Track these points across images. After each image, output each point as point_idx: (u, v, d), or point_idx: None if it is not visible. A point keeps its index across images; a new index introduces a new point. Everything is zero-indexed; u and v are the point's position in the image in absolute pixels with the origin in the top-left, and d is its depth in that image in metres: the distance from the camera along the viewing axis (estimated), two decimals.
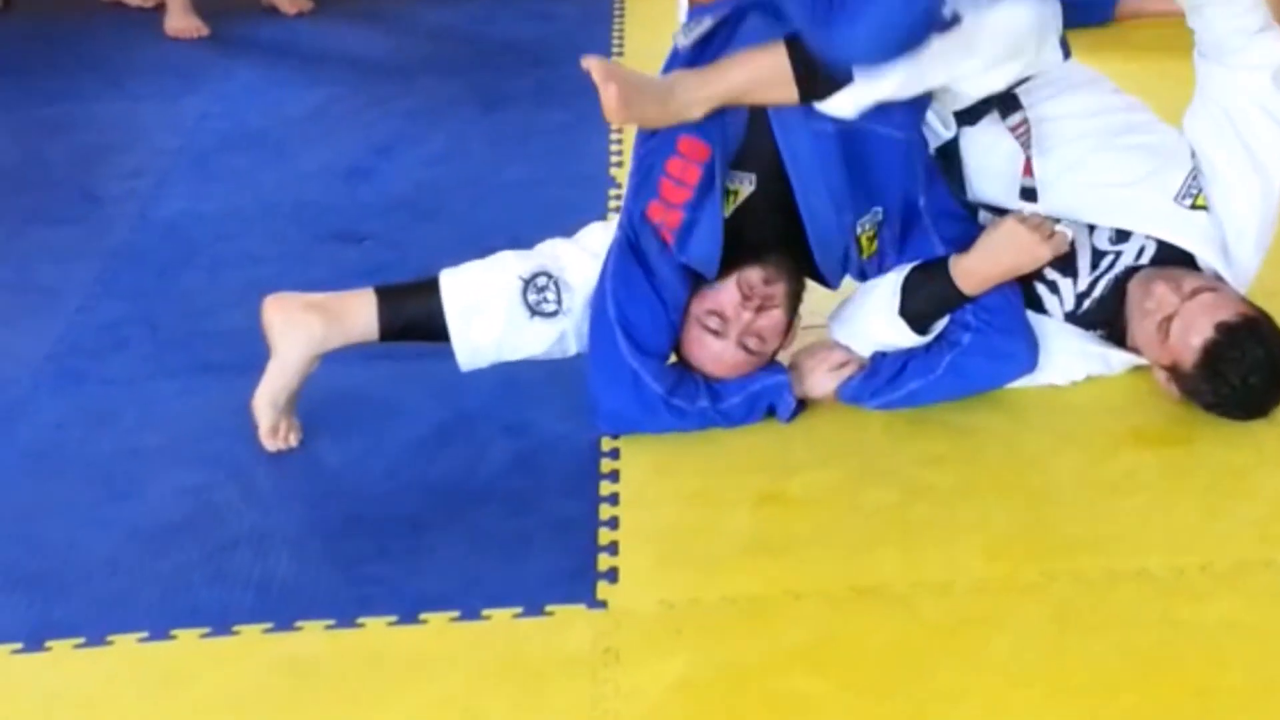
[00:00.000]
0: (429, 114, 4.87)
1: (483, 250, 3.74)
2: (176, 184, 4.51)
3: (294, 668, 2.64)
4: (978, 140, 3.31)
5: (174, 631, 2.73)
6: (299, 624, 2.73)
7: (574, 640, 2.66)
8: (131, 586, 2.85)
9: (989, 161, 3.30)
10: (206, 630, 2.73)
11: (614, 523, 2.94)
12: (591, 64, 3.09)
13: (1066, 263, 3.28)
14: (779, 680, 2.55)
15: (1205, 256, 3.26)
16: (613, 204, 4.08)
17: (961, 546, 2.83)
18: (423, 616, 2.73)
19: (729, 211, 3.19)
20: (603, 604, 2.74)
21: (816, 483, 3.03)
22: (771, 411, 3.19)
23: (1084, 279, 3.30)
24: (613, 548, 2.88)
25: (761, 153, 3.17)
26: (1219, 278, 3.24)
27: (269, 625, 2.74)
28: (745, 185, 3.21)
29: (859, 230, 3.21)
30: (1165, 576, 2.75)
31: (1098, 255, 3.30)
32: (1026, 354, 3.24)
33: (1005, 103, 3.29)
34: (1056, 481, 3.04)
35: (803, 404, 3.22)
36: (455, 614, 2.73)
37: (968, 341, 3.20)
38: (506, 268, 3.27)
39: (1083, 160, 3.31)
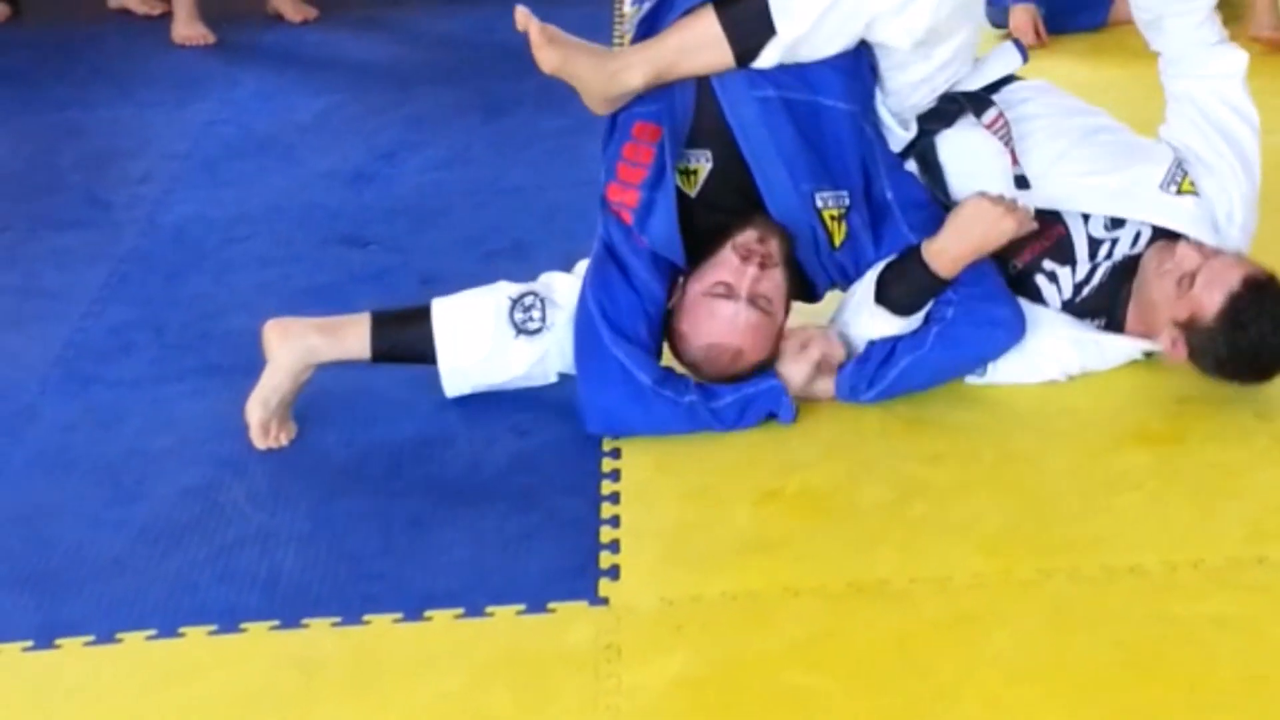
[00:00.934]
0: (431, 120, 4.87)
1: (484, 253, 3.77)
2: (184, 189, 4.52)
3: (300, 664, 2.65)
4: (956, 143, 3.32)
5: (182, 629, 2.73)
6: (305, 621, 2.74)
7: (576, 637, 2.66)
8: (140, 585, 2.85)
9: (972, 164, 3.31)
10: (214, 628, 2.74)
11: (615, 521, 2.94)
12: (520, 10, 3.14)
13: (1065, 253, 3.30)
14: (779, 676, 2.55)
15: (1200, 238, 3.27)
16: None
17: (959, 544, 2.83)
18: (427, 614, 2.74)
19: (694, 191, 3.22)
20: (604, 601, 2.74)
21: (815, 481, 3.03)
22: (772, 416, 3.19)
23: (1082, 267, 3.31)
24: (614, 545, 2.88)
25: (713, 129, 3.21)
26: None
27: (276, 623, 2.74)
28: (703, 163, 3.25)
29: (820, 204, 3.23)
30: (1159, 573, 2.75)
31: (1095, 243, 3.31)
32: (1014, 319, 3.24)
33: (977, 102, 3.32)
34: (1052, 480, 3.04)
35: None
36: (459, 611, 2.74)
37: (952, 314, 3.21)
38: (497, 290, 3.30)
39: (1066, 153, 3.35)
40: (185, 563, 2.91)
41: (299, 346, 3.24)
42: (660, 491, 3.04)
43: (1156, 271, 3.23)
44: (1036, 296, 3.32)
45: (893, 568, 2.79)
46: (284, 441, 3.23)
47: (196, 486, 3.12)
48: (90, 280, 3.98)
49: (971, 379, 3.29)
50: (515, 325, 3.26)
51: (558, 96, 4.77)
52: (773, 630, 2.66)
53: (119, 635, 2.73)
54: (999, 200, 3.19)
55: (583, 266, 3.33)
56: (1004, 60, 3.45)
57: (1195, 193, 3.32)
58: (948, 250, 3.19)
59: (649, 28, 3.25)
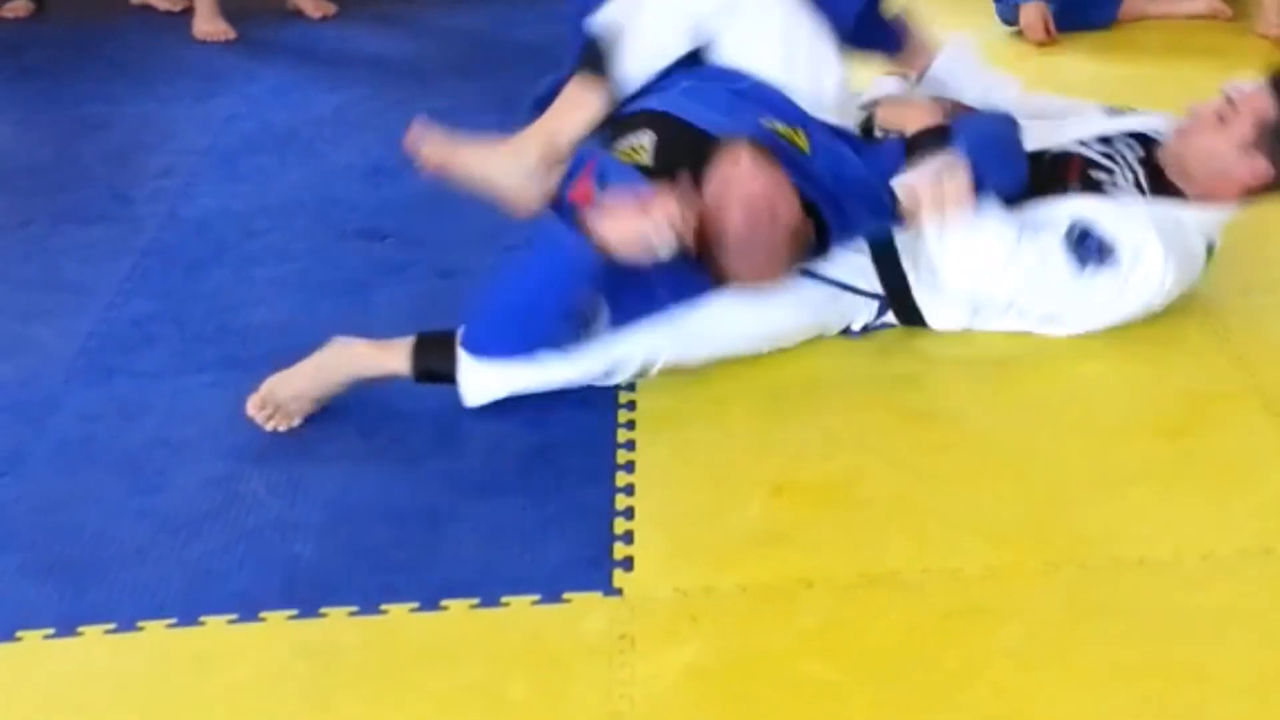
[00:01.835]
0: (449, 115, 4.80)
1: (502, 247, 3.75)
2: (205, 183, 4.51)
3: (319, 653, 2.65)
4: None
5: (202, 618, 2.74)
6: (323, 610, 2.74)
7: (591, 627, 2.66)
8: (161, 574, 2.86)
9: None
10: (234, 616, 2.74)
11: (630, 512, 2.94)
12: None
13: (1095, 164, 3.38)
14: (792, 665, 2.55)
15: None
16: None
17: (970, 535, 2.83)
18: (444, 603, 2.73)
19: (649, 159, 3.30)
20: (619, 591, 2.74)
21: (827, 473, 3.03)
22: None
23: (1118, 168, 3.34)
24: (628, 537, 2.88)
25: (644, 118, 3.37)
26: None
27: (294, 612, 2.74)
28: (645, 139, 3.33)
29: (770, 126, 3.31)
30: (1168, 564, 2.74)
31: (1107, 156, 3.33)
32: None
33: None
34: (1062, 472, 3.03)
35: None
36: (475, 601, 2.74)
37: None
38: None
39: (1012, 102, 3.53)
40: (205, 552, 2.91)
41: (345, 351, 3.26)
42: (674, 484, 3.04)
43: (1184, 137, 3.30)
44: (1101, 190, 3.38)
45: (904, 559, 2.78)
46: (275, 428, 3.23)
47: (217, 477, 3.12)
48: (113, 273, 3.98)
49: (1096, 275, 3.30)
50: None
51: None
52: (785, 620, 2.66)
53: (140, 623, 2.73)
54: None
55: None
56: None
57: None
58: (892, 122, 3.39)
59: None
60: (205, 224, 4.24)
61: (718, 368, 3.34)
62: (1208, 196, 3.33)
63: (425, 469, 3.12)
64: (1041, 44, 5.11)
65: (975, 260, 3.31)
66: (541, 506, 2.97)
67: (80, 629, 2.73)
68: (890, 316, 3.42)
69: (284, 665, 2.63)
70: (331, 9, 5.93)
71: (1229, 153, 3.26)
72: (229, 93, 5.21)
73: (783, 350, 3.38)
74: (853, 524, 2.89)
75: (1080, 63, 4.98)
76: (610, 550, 2.84)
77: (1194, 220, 3.34)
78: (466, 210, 3.87)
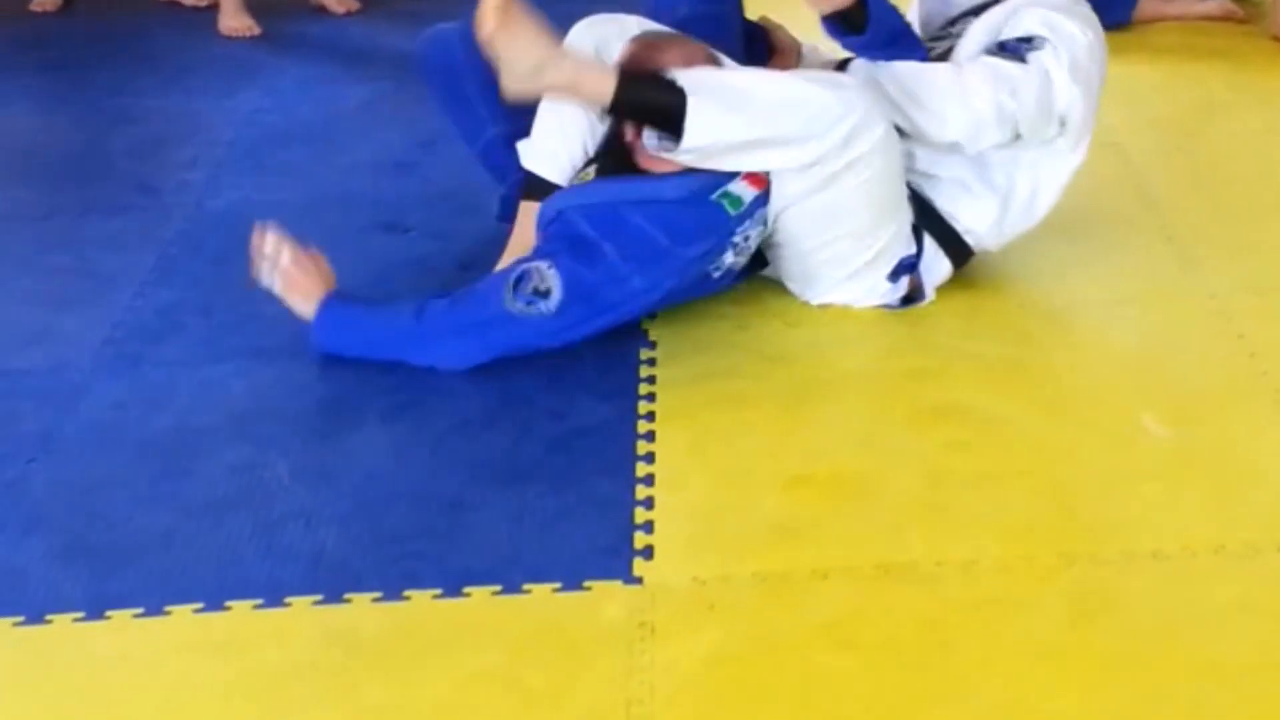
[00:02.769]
0: None
1: None
2: (230, 176, 4.52)
3: (342, 638, 2.66)
4: None
5: (228, 603, 2.74)
6: (347, 596, 2.74)
7: (610, 614, 2.67)
8: (187, 559, 2.86)
9: None
10: (259, 602, 2.74)
11: (649, 503, 2.95)
12: None
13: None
14: (808, 654, 2.56)
15: None
16: None
17: (984, 529, 2.83)
18: (466, 590, 2.74)
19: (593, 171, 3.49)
20: (638, 580, 2.74)
21: (844, 467, 3.03)
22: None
23: None
24: (648, 526, 2.88)
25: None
26: None
27: (319, 597, 2.75)
28: (589, 170, 3.53)
29: None
30: (1179, 559, 2.75)
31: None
32: None
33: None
34: (1075, 468, 3.03)
35: None
36: (497, 588, 2.74)
37: None
38: None
39: None
40: (231, 538, 2.91)
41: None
42: (693, 475, 3.04)
43: None
44: None
45: (919, 552, 2.79)
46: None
47: (242, 464, 3.12)
48: (139, 263, 3.99)
49: None
50: None
51: None
52: (802, 610, 2.66)
53: (167, 608, 2.74)
54: None
55: None
56: None
57: None
58: None
59: None
60: (230, 216, 4.24)
61: (734, 363, 3.36)
62: None
63: (447, 458, 3.12)
64: None
65: (951, 104, 3.42)
66: (562, 496, 2.98)
67: (108, 613, 2.74)
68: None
69: (308, 650, 2.64)
70: (355, 5, 5.94)
71: None
72: (254, 87, 5.22)
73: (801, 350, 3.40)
74: (868, 517, 2.90)
75: None
76: (630, 539, 2.85)
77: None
78: (485, 205, 3.88)
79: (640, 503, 2.95)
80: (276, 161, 4.62)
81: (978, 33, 3.55)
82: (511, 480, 3.03)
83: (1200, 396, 3.20)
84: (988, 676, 2.49)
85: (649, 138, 3.33)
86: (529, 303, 3.27)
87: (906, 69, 3.47)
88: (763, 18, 3.85)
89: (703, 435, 3.15)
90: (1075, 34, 3.45)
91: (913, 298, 3.52)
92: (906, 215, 3.46)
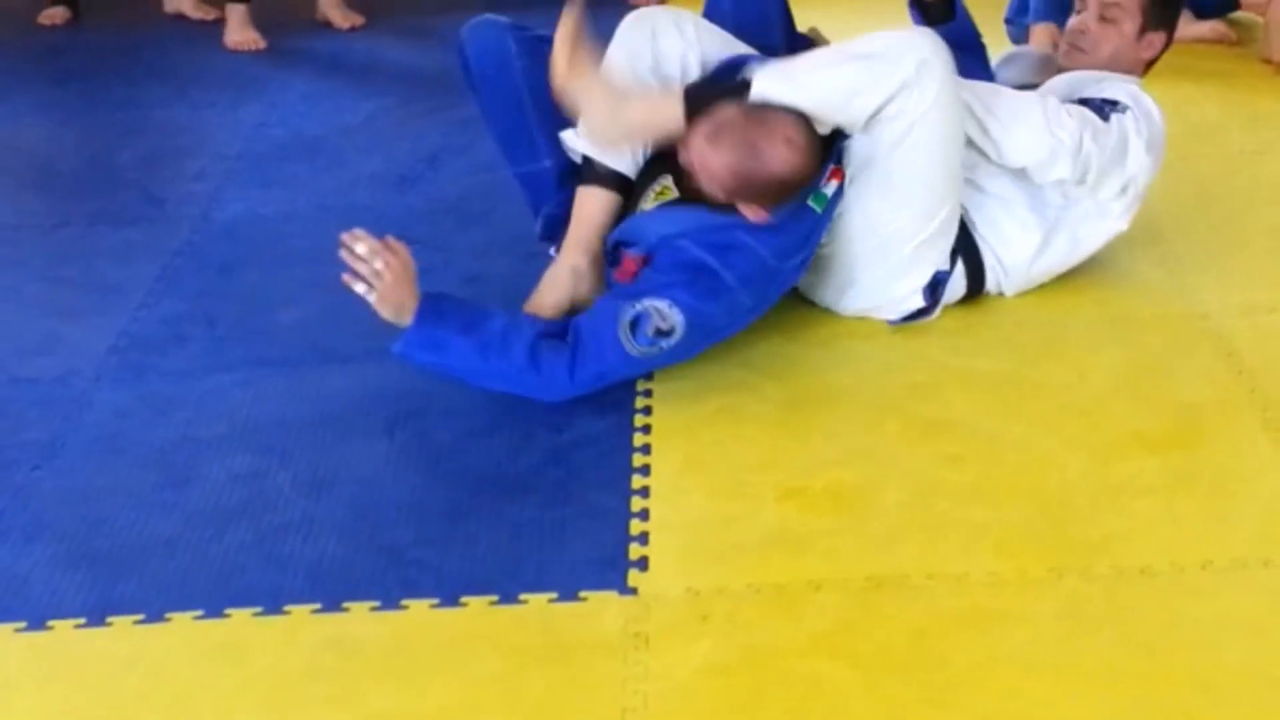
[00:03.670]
0: (474, 124, 4.81)
1: (526, 254, 3.77)
2: (235, 188, 4.53)
3: (341, 646, 2.65)
4: None
5: (228, 610, 2.75)
6: (346, 605, 2.74)
7: (606, 624, 2.67)
8: (189, 567, 2.87)
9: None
10: (259, 609, 2.75)
11: (645, 514, 2.95)
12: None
13: None
14: (801, 664, 2.55)
15: None
16: None
17: (976, 542, 2.83)
18: (463, 600, 2.74)
19: (676, 194, 3.42)
20: (634, 591, 2.74)
21: (839, 480, 3.03)
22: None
23: None
24: (643, 538, 2.88)
25: (655, 168, 3.47)
26: None
27: (318, 606, 2.75)
28: (666, 180, 3.44)
29: None
30: (1168, 574, 2.74)
31: None
32: None
33: None
34: (1066, 483, 3.03)
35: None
36: (494, 598, 2.74)
37: None
38: None
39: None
40: (232, 546, 2.92)
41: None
42: (688, 487, 3.04)
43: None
44: None
45: (912, 564, 2.79)
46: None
47: (244, 473, 3.13)
48: (145, 274, 4.00)
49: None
50: None
51: None
52: (796, 621, 2.66)
53: (168, 615, 2.74)
54: None
55: None
56: None
57: None
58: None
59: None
60: (236, 227, 4.25)
61: (730, 378, 3.36)
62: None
63: (446, 469, 3.13)
64: None
65: (1033, 126, 3.46)
66: (559, 508, 2.98)
67: (110, 619, 2.74)
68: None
69: (307, 658, 2.64)
70: (360, 20, 5.96)
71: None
72: (260, 100, 5.23)
73: (798, 359, 3.40)
74: (863, 529, 2.89)
75: None
76: (626, 551, 2.84)
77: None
78: (490, 218, 3.89)
79: (636, 514, 2.95)
80: (281, 174, 4.63)
81: (1059, 85, 3.63)
82: (509, 492, 3.03)
83: (1190, 414, 3.20)
84: (979, 688, 2.49)
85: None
86: (651, 344, 3.23)
87: (987, 86, 3.53)
88: (812, 29, 3.83)
89: (698, 448, 3.15)
90: (1153, 113, 3.57)
91: (924, 311, 3.52)
92: (958, 204, 3.47)
